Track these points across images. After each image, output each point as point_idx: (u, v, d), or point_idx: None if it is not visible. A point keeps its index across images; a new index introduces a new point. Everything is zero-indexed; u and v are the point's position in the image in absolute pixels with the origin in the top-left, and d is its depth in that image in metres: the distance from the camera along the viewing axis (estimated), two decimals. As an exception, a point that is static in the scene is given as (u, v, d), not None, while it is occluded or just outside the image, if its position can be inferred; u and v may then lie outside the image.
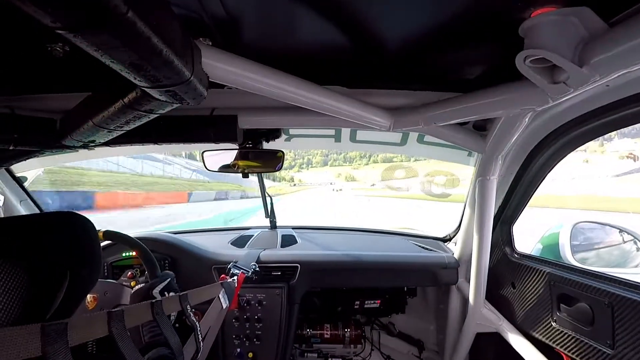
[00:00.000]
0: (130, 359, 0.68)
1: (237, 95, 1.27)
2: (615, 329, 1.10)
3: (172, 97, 0.78)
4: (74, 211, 0.77)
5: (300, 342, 2.18)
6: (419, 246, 2.12)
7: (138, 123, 0.97)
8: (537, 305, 1.43)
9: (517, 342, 1.46)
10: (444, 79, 1.17)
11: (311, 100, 1.05)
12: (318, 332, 2.15)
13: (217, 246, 2.00)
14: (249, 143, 1.54)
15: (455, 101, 1.12)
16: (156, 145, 1.36)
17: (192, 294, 1.02)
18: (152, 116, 0.92)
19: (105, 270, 1.75)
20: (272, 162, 1.63)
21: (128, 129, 1.02)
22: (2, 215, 1.74)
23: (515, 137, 1.23)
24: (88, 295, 1.27)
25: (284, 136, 1.70)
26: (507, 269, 1.62)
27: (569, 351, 1.27)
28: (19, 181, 1.88)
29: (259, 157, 1.62)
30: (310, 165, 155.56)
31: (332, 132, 1.77)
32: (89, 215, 0.77)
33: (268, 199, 2.37)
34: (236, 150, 1.57)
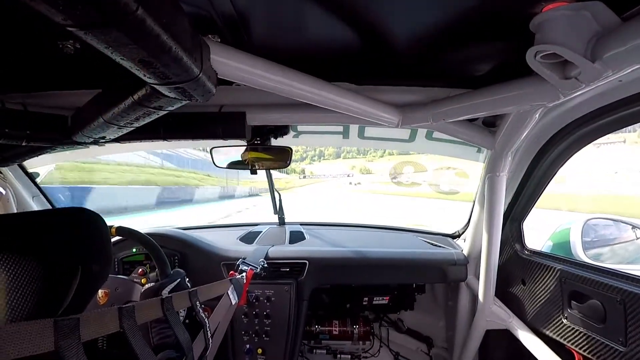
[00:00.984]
0: (142, 355, 0.68)
1: (245, 92, 1.28)
2: (627, 326, 1.08)
3: (181, 94, 0.79)
4: (84, 207, 0.78)
5: (309, 339, 2.20)
6: (428, 242, 2.11)
7: (147, 119, 0.98)
8: (547, 302, 1.42)
9: (527, 339, 1.45)
10: (453, 75, 1.16)
11: (319, 97, 1.05)
12: (327, 328, 2.16)
13: (226, 242, 2.01)
14: (257, 140, 1.55)
15: (465, 97, 1.12)
16: (165, 142, 1.37)
17: (201, 291, 1.03)
18: (162, 113, 0.93)
19: (116, 266, 1.76)
20: (281, 158, 1.63)
21: (138, 125, 1.03)
22: (15, 211, 1.77)
23: (525, 134, 1.22)
24: (100, 291, 1.28)
25: (292, 133, 1.71)
26: (517, 266, 1.60)
27: (580, 348, 1.25)
28: (32, 177, 1.91)
29: (267, 154, 1.62)
30: (322, 157, 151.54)
31: (340, 128, 1.77)
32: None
33: (276, 195, 2.37)
34: (244, 147, 1.57)
